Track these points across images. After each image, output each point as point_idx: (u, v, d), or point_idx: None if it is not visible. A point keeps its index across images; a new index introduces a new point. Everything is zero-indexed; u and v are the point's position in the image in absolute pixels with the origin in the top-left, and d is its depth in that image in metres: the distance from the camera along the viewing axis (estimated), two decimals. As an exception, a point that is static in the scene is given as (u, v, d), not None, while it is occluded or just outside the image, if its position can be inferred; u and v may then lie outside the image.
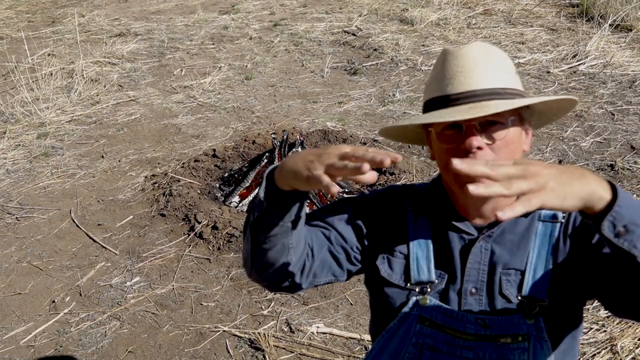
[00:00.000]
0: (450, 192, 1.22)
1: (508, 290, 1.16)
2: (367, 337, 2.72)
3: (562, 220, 1.19)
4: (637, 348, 2.56)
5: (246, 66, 6.55)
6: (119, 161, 4.60)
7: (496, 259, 1.18)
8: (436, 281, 1.21)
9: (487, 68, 1.12)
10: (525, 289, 1.16)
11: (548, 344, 1.15)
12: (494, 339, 1.15)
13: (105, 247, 3.55)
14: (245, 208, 3.87)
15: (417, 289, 1.21)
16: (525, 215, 1.19)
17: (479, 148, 1.08)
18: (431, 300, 1.19)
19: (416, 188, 1.32)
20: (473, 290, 1.18)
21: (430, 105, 1.16)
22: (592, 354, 2.54)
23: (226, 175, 4.32)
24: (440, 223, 1.23)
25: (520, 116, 1.14)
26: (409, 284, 1.22)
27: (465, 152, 1.09)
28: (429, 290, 1.20)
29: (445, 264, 1.22)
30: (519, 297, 1.16)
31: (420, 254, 1.23)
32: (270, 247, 1.12)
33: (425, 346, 1.19)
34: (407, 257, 1.24)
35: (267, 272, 1.18)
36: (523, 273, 1.17)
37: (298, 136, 4.27)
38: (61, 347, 2.83)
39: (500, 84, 1.11)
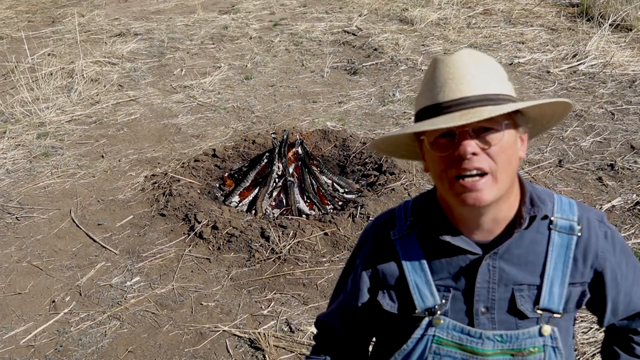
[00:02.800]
0: (446, 205, 1.20)
1: (523, 306, 1.16)
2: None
3: (579, 234, 1.17)
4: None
5: (246, 66, 6.55)
6: (119, 161, 4.60)
7: (506, 276, 1.16)
8: (442, 302, 1.19)
9: (478, 74, 1.09)
10: (543, 302, 1.15)
11: (562, 352, 1.17)
12: (512, 354, 1.15)
13: (105, 247, 3.55)
14: (245, 208, 3.87)
15: (425, 314, 1.20)
16: (525, 228, 1.18)
17: (474, 154, 1.06)
18: (445, 319, 1.18)
19: (397, 213, 1.29)
20: (483, 309, 1.17)
21: (423, 114, 1.13)
22: (592, 354, 2.54)
23: (226, 175, 4.32)
24: (438, 242, 1.19)
25: (514, 121, 1.12)
26: (416, 312, 1.20)
27: (459, 159, 1.07)
28: (438, 313, 1.19)
29: (450, 284, 1.19)
30: (536, 310, 1.15)
31: (419, 280, 1.21)
32: None
33: None
34: (406, 287, 1.22)
35: None
36: (539, 287, 1.16)
37: (298, 136, 4.27)
38: (61, 347, 2.83)
39: (492, 90, 1.09)
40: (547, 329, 1.14)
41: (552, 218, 1.18)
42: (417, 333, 1.20)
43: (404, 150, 1.28)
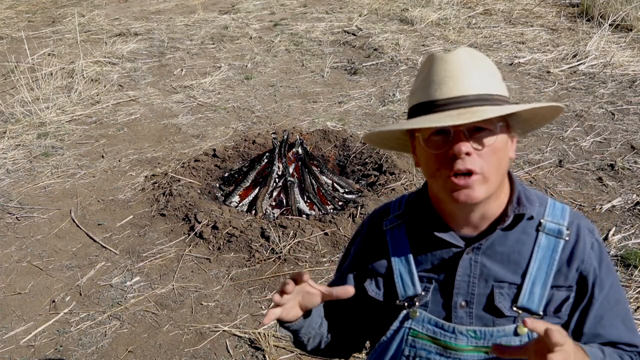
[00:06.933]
0: (437, 201, 1.21)
1: (501, 303, 1.16)
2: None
3: (566, 238, 1.18)
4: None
5: (246, 66, 6.55)
6: (119, 161, 4.60)
7: (487, 271, 1.17)
8: (422, 293, 1.21)
9: (476, 73, 1.10)
10: (522, 301, 1.15)
11: None
12: (486, 350, 1.16)
13: (105, 247, 3.55)
14: (245, 208, 3.87)
15: (405, 304, 1.22)
16: (510, 227, 1.18)
17: (467, 154, 1.07)
18: (421, 313, 1.20)
19: (392, 205, 1.33)
20: (463, 303, 1.18)
21: (417, 110, 1.13)
22: None
23: (226, 175, 4.33)
24: (425, 235, 1.22)
25: (507, 123, 1.13)
26: (397, 301, 1.23)
27: (453, 158, 1.07)
28: (416, 303, 1.20)
29: (432, 276, 1.21)
30: (514, 309, 1.15)
31: (403, 269, 1.23)
32: (315, 346, 1.35)
33: (418, 357, 1.20)
34: (391, 276, 1.25)
35: (331, 354, 1.40)
36: (519, 286, 1.16)
37: (298, 136, 4.27)
38: (61, 346, 2.83)
39: (489, 90, 1.10)
40: (523, 328, 1.13)
41: (541, 220, 1.19)
42: (395, 325, 1.22)
43: (394, 143, 1.30)
